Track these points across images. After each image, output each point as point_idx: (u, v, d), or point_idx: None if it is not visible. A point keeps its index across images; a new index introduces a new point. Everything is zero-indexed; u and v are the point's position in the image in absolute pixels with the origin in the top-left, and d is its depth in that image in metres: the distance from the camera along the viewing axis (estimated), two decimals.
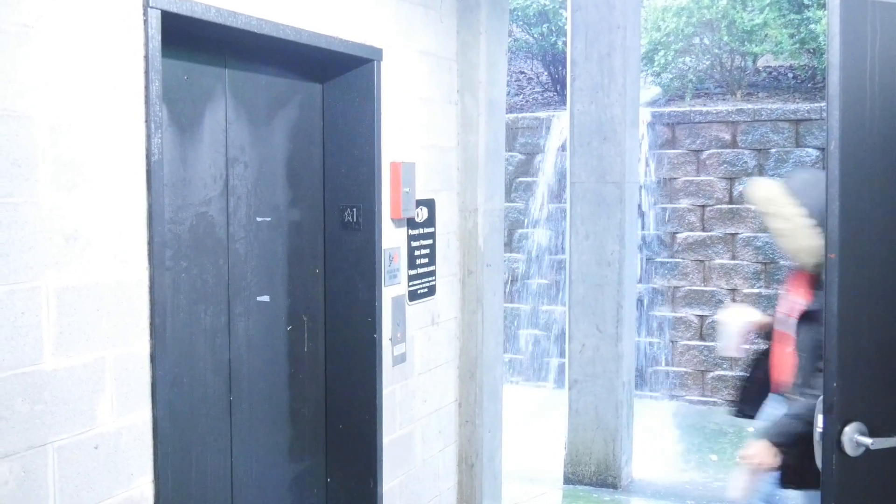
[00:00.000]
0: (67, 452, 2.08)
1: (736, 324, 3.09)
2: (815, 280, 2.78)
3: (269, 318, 3.03)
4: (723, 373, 6.93)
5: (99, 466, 2.16)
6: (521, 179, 7.80)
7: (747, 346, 3.14)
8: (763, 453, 2.71)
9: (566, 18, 5.70)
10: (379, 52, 3.19)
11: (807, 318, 2.77)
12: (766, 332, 3.07)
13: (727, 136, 6.98)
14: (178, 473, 2.58)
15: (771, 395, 2.98)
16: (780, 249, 2.97)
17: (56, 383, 2.04)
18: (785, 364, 2.86)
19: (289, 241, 3.11)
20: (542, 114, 7.89)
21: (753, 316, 3.11)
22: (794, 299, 2.87)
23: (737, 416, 3.16)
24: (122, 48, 2.20)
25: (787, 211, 2.75)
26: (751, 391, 3.08)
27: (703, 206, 7.03)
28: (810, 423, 2.63)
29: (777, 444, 2.69)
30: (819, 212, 2.70)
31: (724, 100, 7.72)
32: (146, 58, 2.25)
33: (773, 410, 2.92)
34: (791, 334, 2.83)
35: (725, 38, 7.83)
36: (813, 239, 2.70)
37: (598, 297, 5.06)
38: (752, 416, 3.08)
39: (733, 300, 6.88)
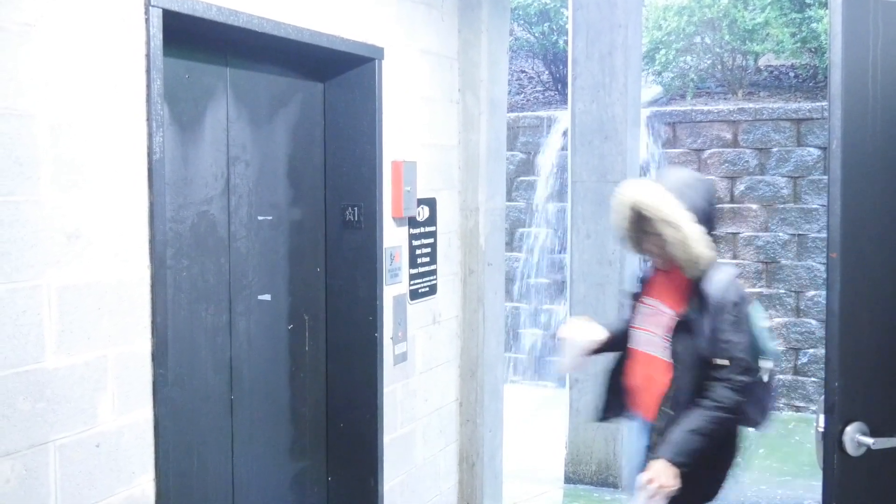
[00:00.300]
0: (69, 451, 2.08)
1: (578, 339, 2.85)
2: (691, 287, 2.59)
3: (271, 316, 3.03)
4: None
5: (100, 465, 2.16)
6: (522, 178, 7.80)
7: (587, 363, 2.91)
8: (664, 475, 2.46)
9: (567, 17, 5.69)
10: (380, 50, 3.18)
11: (682, 328, 2.57)
12: (607, 346, 2.86)
13: (728, 136, 6.97)
14: (180, 472, 2.58)
15: (638, 420, 2.78)
16: (657, 258, 2.67)
17: (57, 381, 2.05)
18: (653, 386, 2.65)
19: (290, 239, 3.11)
20: (543, 113, 7.89)
21: (595, 330, 2.86)
22: (662, 311, 2.66)
23: (601, 421, 2.92)
24: (124, 47, 2.20)
25: (678, 216, 2.51)
26: (613, 397, 2.84)
27: None
28: (708, 436, 2.48)
29: (678, 464, 2.46)
30: (701, 214, 2.55)
31: (725, 99, 7.71)
32: (148, 56, 2.25)
33: (641, 435, 2.74)
34: (658, 353, 2.64)
35: (727, 37, 7.83)
36: (706, 246, 2.53)
37: (600, 296, 5.06)
38: (609, 420, 2.90)
39: None
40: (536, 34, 9.02)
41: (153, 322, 2.28)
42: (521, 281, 7.81)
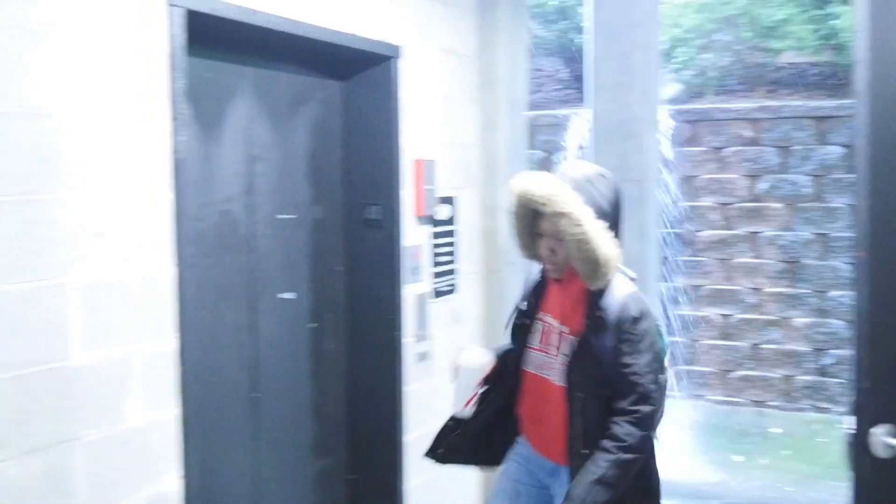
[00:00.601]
0: (96, 448, 2.09)
1: (474, 365, 2.42)
2: (589, 300, 2.24)
3: (292, 315, 3.03)
4: (746, 372, 6.87)
5: (127, 462, 2.17)
6: None
7: (476, 397, 2.46)
8: None
9: (585, 15, 5.67)
10: (399, 49, 3.18)
11: (581, 349, 2.21)
12: (495, 377, 2.46)
13: (749, 134, 6.91)
14: (204, 469, 2.59)
15: (527, 453, 2.45)
16: (550, 264, 2.31)
17: (83, 379, 2.06)
18: (551, 417, 2.28)
19: (311, 238, 3.12)
20: (561, 111, 7.86)
21: (485, 355, 2.46)
22: (556, 329, 2.31)
23: (440, 461, 2.51)
24: (148, 46, 2.21)
25: (577, 210, 2.17)
26: (468, 436, 2.48)
27: (726, 204, 6.97)
28: (617, 482, 2.14)
29: None
30: (599, 214, 2.24)
31: (745, 97, 7.65)
32: (171, 56, 2.26)
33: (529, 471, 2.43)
34: (555, 379, 2.27)
35: (747, 35, 7.76)
36: (613, 245, 2.22)
37: None
38: (447, 463, 2.51)
39: (757, 299, 6.82)
40: (554, 32, 8.99)
41: (178, 320, 2.29)
42: None
